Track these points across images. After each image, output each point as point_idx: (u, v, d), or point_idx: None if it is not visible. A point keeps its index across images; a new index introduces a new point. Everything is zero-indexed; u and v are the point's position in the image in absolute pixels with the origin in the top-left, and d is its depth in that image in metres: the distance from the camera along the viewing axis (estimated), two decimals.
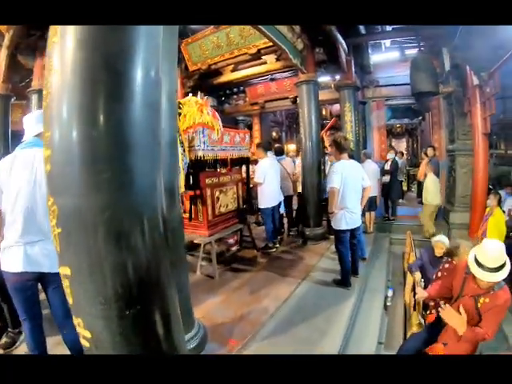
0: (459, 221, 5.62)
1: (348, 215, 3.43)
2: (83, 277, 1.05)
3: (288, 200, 5.77)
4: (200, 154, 3.62)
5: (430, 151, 6.38)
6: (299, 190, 5.78)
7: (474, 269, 1.97)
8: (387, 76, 6.95)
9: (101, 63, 0.99)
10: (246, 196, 4.97)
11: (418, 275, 3.43)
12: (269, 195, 4.72)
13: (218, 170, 4.12)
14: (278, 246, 5.00)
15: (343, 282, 3.53)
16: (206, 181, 3.92)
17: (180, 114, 3.77)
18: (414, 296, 3.16)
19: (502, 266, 1.91)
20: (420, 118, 11.69)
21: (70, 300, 1.12)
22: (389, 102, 7.58)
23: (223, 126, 4.09)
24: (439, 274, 3.03)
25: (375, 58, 6.82)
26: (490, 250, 1.95)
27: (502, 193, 6.83)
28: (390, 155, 6.73)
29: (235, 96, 8.72)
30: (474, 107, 4.91)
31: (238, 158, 4.30)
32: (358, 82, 6.19)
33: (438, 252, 3.42)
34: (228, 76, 7.01)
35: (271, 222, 4.82)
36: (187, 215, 4.01)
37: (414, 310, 3.28)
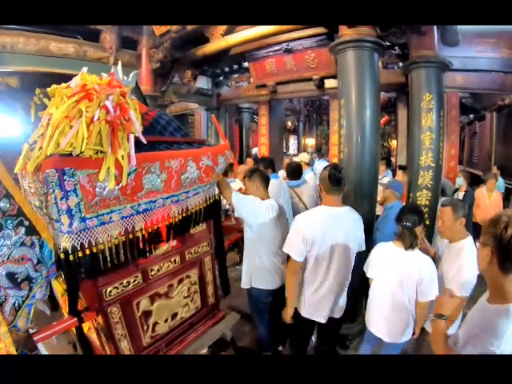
0: None
1: None
2: None
3: None
4: (65, 243, 1.25)
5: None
6: None
7: None
8: (464, 56, 4.21)
9: None
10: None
11: None
12: (267, 269, 2.34)
13: (148, 248, 1.60)
14: (281, 349, 2.69)
15: None
16: (107, 291, 1.52)
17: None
18: None
19: None
20: (472, 116, 9.13)
21: None
22: None
23: (164, 141, 1.69)
24: None
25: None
26: None
27: None
28: (460, 180, 4.18)
29: (236, 75, 6.16)
30: None
31: (197, 209, 1.86)
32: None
33: None
34: (218, 43, 4.47)
35: (268, 320, 2.45)
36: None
37: None
